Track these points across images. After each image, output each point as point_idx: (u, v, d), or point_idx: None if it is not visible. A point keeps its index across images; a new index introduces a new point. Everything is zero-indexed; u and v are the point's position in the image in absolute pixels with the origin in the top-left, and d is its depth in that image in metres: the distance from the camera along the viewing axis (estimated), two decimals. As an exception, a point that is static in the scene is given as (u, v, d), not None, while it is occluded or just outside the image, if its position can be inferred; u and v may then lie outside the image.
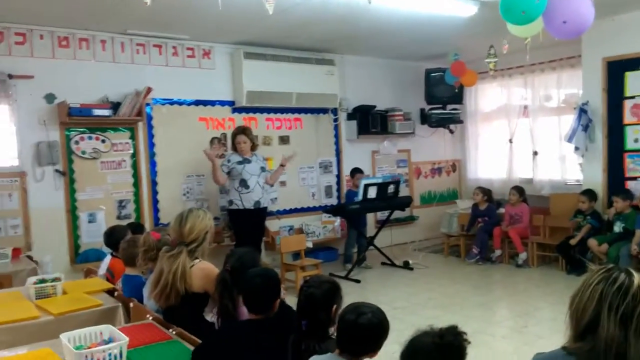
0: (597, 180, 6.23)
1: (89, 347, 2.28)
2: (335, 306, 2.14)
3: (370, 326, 1.89)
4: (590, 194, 6.12)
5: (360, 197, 6.28)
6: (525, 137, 7.58)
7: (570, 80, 6.97)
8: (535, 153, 7.45)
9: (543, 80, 7.30)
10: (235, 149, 5.74)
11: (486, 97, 8.14)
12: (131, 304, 3.22)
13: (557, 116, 7.20)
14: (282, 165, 5.94)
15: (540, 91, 7.33)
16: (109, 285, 3.68)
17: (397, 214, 7.20)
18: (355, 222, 6.73)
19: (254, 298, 2.34)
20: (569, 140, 6.31)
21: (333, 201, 7.30)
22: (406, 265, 6.70)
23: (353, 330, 1.90)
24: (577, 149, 6.30)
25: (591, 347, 1.43)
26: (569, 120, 6.57)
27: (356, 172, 6.96)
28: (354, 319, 1.90)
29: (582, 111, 6.15)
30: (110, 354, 2.22)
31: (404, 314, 4.89)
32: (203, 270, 2.80)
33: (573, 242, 6.03)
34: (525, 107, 7.54)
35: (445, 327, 1.69)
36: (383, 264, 6.85)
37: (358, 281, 6.03)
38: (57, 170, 5.32)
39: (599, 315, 1.45)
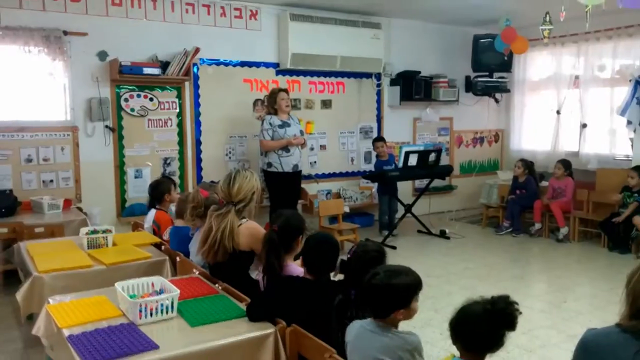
0: (649, 156, 6.02)
1: (142, 297, 2.40)
2: None
3: (381, 286, 1.93)
4: (640, 170, 5.92)
5: (400, 164, 6.27)
6: (573, 109, 7.34)
7: (627, 51, 6.67)
8: (583, 125, 7.22)
9: (597, 50, 6.99)
10: (274, 109, 5.71)
11: (535, 66, 7.87)
12: (178, 258, 3.35)
13: (609, 88, 6.91)
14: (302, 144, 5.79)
15: (594, 61, 7.03)
16: (156, 239, 3.83)
17: (436, 182, 7.15)
18: (390, 189, 6.68)
19: (317, 261, 2.44)
20: (622, 113, 6.09)
21: (372, 167, 7.29)
22: (443, 234, 6.69)
23: (366, 293, 1.97)
24: (629, 123, 6.09)
25: None
26: (623, 92, 6.33)
27: (378, 140, 6.82)
28: (367, 280, 1.96)
29: (638, 83, 5.90)
30: (162, 305, 2.33)
31: (440, 282, 4.92)
32: (250, 230, 2.88)
33: (619, 220, 5.86)
34: (577, 77, 7.27)
35: (497, 296, 1.71)
36: (419, 231, 6.85)
37: (394, 247, 6.06)
38: (107, 126, 5.48)
39: None
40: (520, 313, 1.71)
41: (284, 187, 5.71)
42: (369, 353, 1.92)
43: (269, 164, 5.70)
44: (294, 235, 2.69)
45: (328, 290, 2.35)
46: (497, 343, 1.71)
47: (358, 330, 2.01)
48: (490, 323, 1.68)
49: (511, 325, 1.69)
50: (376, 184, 6.92)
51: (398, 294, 1.92)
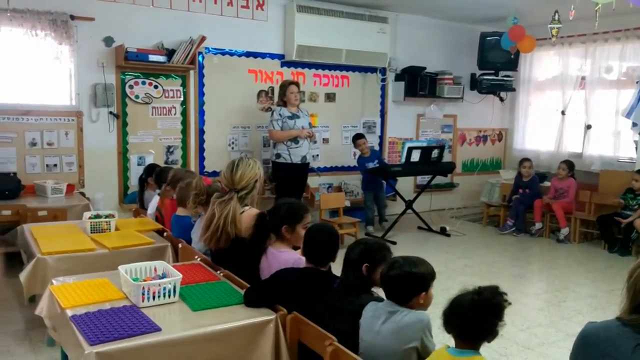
0: (653, 159, 6.01)
1: (145, 280, 2.41)
2: (366, 265, 2.20)
3: (402, 276, 2.04)
4: (645, 173, 5.91)
5: (403, 159, 6.27)
6: (578, 110, 7.33)
7: (635, 53, 6.66)
8: (588, 127, 7.21)
9: (605, 51, 6.98)
10: (283, 101, 5.75)
11: (542, 66, 7.86)
12: (180, 245, 3.36)
13: (616, 89, 6.90)
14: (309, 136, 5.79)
15: (601, 62, 7.02)
16: (159, 226, 3.84)
17: (438, 179, 7.14)
18: (374, 184, 6.61)
19: (315, 250, 2.45)
20: (627, 115, 6.08)
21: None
22: (443, 231, 6.70)
23: (386, 282, 2.08)
24: (634, 125, 6.08)
25: None
26: (629, 94, 6.32)
27: (359, 137, 6.67)
28: (385, 272, 2.08)
29: (645, 86, 5.89)
30: (165, 288, 2.34)
31: (439, 278, 4.76)
32: (252, 217, 2.88)
33: (623, 221, 5.81)
34: (583, 78, 7.25)
35: (485, 286, 1.73)
36: (420, 228, 6.86)
37: (394, 243, 6.07)
38: (111, 113, 5.48)
39: None
40: (509, 304, 1.73)
41: (291, 179, 5.75)
42: (386, 332, 1.99)
43: (278, 155, 5.73)
44: (280, 222, 2.70)
45: (327, 280, 2.36)
46: (489, 333, 1.72)
47: (374, 312, 2.07)
48: (476, 312, 1.70)
49: (498, 315, 1.70)
50: (361, 180, 6.89)
51: (418, 280, 2.03)
